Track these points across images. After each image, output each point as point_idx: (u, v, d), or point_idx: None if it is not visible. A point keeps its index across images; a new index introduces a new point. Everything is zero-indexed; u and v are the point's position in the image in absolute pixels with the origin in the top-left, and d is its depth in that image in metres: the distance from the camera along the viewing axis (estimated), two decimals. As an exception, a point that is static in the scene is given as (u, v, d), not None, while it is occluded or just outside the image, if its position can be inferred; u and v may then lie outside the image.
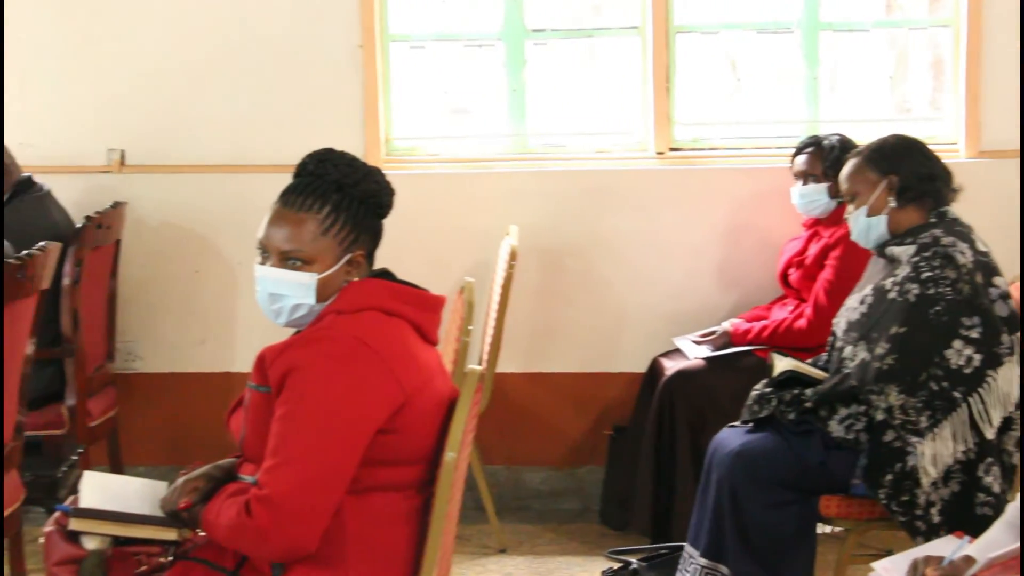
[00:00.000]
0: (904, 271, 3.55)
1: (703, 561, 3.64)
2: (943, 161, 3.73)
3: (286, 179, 2.70)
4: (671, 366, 4.60)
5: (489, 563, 4.56)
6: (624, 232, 4.99)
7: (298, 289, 2.61)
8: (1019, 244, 4.52)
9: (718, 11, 5.08)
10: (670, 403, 4.50)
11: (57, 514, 2.73)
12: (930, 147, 3.75)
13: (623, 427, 4.84)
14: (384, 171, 2.73)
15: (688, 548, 3.73)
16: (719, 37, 5.10)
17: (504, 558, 4.61)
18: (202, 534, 2.63)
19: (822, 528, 3.77)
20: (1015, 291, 3.66)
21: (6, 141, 4.64)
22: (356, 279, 2.64)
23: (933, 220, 3.63)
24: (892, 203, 3.65)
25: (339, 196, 2.63)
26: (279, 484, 2.44)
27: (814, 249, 4.55)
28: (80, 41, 5.05)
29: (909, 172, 3.65)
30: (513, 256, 4.44)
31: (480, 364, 4.42)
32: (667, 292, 5.00)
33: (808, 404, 3.59)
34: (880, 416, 3.47)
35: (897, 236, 3.64)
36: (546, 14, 5.11)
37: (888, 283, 3.58)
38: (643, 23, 5.04)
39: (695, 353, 4.60)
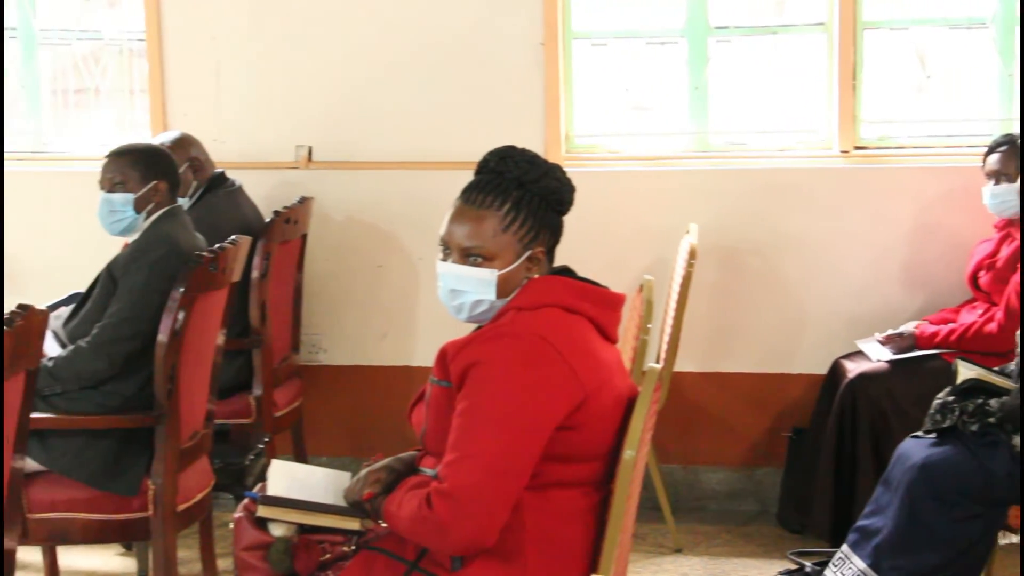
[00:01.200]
0: None
1: (862, 566, 3.56)
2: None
3: (468, 176, 2.73)
4: (853, 368, 4.51)
5: (665, 562, 4.54)
6: (806, 232, 4.92)
7: (479, 285, 2.63)
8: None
9: (907, 6, 4.96)
10: (852, 406, 4.42)
11: (246, 501, 2.81)
12: None
13: (802, 429, 4.77)
14: (564, 168, 2.74)
15: (846, 550, 3.65)
16: (908, 33, 4.97)
17: (680, 558, 4.59)
18: (384, 525, 2.67)
19: (1010, 538, 3.66)
20: None
21: (201, 138, 4.79)
22: (536, 276, 2.65)
23: None
24: None
25: (519, 193, 2.64)
26: (459, 478, 2.47)
27: (1006, 251, 4.41)
28: (271, 41, 5.18)
29: None
30: (692, 254, 4.41)
31: (658, 362, 4.40)
32: (850, 293, 4.91)
33: (992, 420, 3.48)
34: None
35: None
36: (730, 11, 5.06)
37: None
38: (829, 19, 4.95)
39: (878, 355, 4.51)
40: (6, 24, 5.37)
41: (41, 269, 5.23)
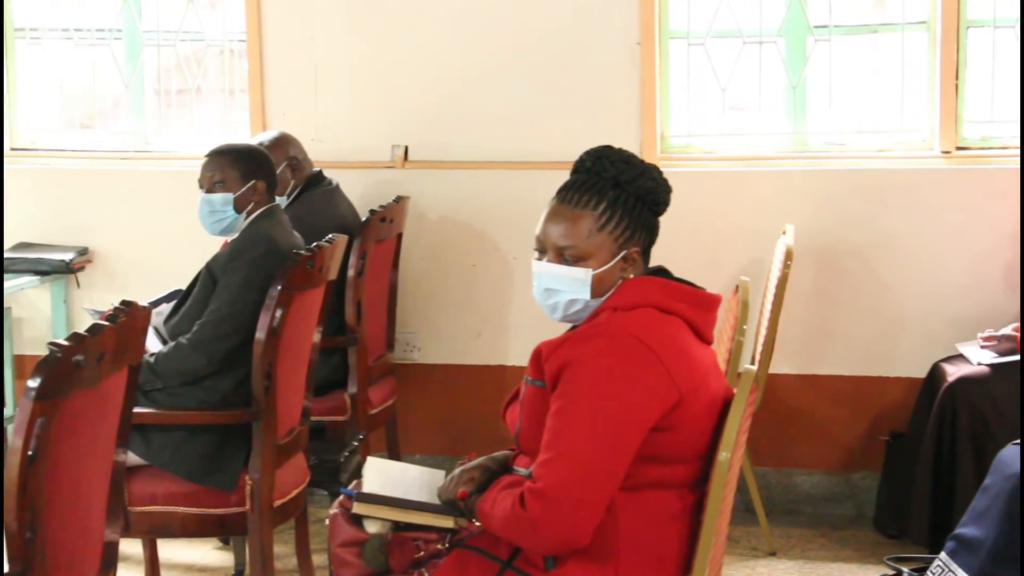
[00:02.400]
0: None
1: None
2: None
3: (563, 176, 2.73)
4: (953, 372, 4.44)
5: (759, 566, 4.51)
6: (906, 233, 4.85)
7: (574, 284, 2.63)
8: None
9: (1013, 3, 4.86)
10: (952, 410, 4.34)
11: (341, 497, 2.83)
12: None
13: (900, 433, 4.71)
14: (660, 168, 2.73)
15: (945, 558, 3.58)
16: (1014, 31, 4.87)
17: (774, 561, 4.55)
18: (477, 524, 2.69)
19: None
20: None
21: (299, 137, 4.85)
22: (632, 276, 2.65)
23: None
24: None
25: (615, 193, 2.64)
26: (553, 477, 2.47)
27: (1112, 254, 4.31)
28: (368, 42, 5.22)
29: None
30: (789, 256, 4.36)
31: (753, 364, 4.36)
32: (950, 295, 4.83)
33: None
34: None
35: None
36: (829, 9, 5.00)
37: None
38: (931, 17, 4.88)
39: (979, 358, 4.43)
40: (114, 26, 5.47)
41: (143, 266, 5.32)
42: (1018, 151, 4.84)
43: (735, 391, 2.58)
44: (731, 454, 2.53)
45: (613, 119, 5.03)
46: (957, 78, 4.85)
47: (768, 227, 4.80)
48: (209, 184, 3.94)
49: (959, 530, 3.60)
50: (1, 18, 5.35)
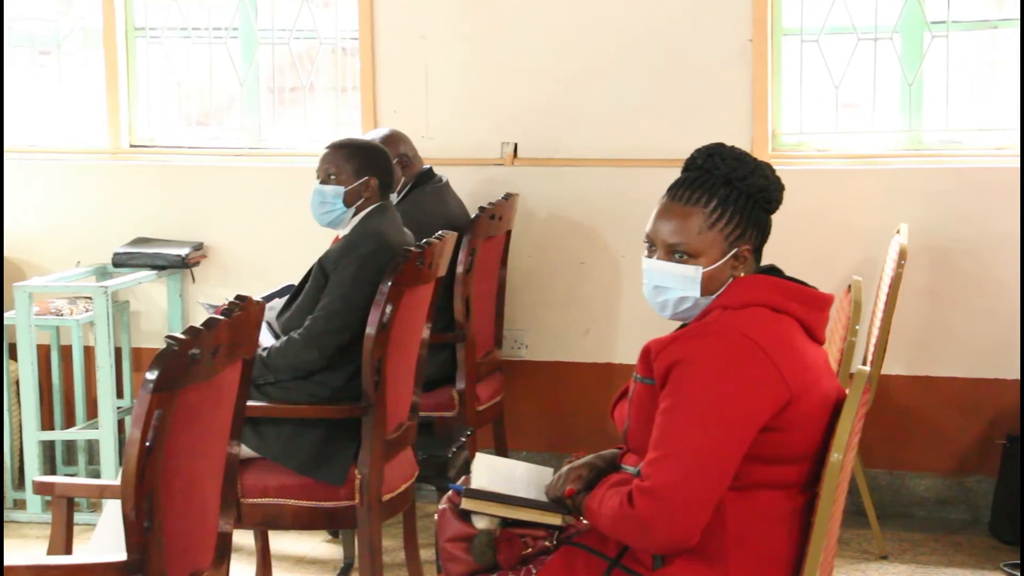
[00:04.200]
0: None
1: None
2: None
3: (673, 173, 2.72)
4: (1073, 375, 4.34)
5: (870, 569, 4.45)
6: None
7: (683, 282, 2.62)
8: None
9: None
10: (1071, 414, 4.25)
11: (450, 493, 2.85)
12: None
13: (1017, 437, 4.61)
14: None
15: None
16: None
17: (885, 565, 4.48)
18: (585, 522, 2.68)
19: None
20: None
21: (410, 134, 4.88)
22: (743, 274, 2.63)
23: None
24: None
25: (727, 190, 2.62)
26: (662, 476, 2.46)
27: None
28: (479, 40, 5.24)
29: None
30: (903, 255, 4.30)
31: (865, 364, 4.30)
32: (1070, 297, 4.71)
33: None
34: None
35: None
36: (947, 5, 4.91)
37: None
38: (1053, 12, 4.77)
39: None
40: (231, 25, 5.56)
41: (256, 261, 5.40)
42: None
43: (847, 392, 2.54)
44: (843, 455, 2.49)
45: (724, 116, 4.99)
46: (1079, 74, 4.74)
47: (882, 226, 4.74)
48: (324, 176, 4.00)
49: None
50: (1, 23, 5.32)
